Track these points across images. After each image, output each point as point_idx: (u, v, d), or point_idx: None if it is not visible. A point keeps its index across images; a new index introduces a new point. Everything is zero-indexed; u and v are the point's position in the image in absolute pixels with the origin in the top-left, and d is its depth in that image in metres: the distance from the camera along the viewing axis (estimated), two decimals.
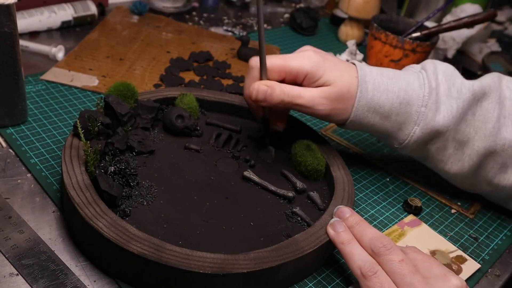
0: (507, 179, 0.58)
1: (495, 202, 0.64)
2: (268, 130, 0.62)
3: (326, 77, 0.55)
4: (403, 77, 0.58)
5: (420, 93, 0.57)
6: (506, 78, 0.60)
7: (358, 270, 0.43)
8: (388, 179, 0.67)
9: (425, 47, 0.89)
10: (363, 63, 0.59)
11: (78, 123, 0.51)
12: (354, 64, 0.59)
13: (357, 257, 0.44)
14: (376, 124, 0.58)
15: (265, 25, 1.10)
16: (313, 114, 0.57)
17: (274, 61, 0.56)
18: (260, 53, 0.55)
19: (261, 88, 0.55)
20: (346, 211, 0.49)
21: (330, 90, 0.55)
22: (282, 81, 0.57)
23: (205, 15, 1.09)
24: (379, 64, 0.93)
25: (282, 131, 0.62)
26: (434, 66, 0.59)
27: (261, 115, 0.61)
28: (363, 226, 0.47)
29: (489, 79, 0.59)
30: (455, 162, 0.59)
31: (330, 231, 0.48)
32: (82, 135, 0.50)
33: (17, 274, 0.44)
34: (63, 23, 0.88)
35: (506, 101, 0.58)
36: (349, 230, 0.47)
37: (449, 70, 0.59)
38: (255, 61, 0.56)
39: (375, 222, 0.59)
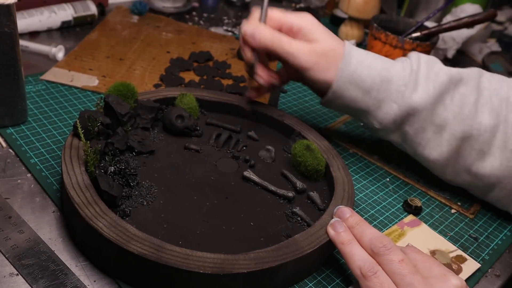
0: (485, 167, 0.59)
1: (477, 196, 0.64)
2: (252, 77, 0.64)
3: (316, 35, 0.59)
4: (387, 60, 0.62)
5: (401, 74, 0.60)
6: (488, 73, 0.63)
7: (358, 270, 0.43)
8: (388, 179, 0.67)
9: (425, 47, 0.89)
10: (352, 45, 0.62)
11: (78, 123, 0.51)
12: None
13: (357, 257, 0.44)
14: (357, 98, 0.60)
15: None
16: (298, 65, 0.59)
17: (274, 11, 0.61)
18: (263, 2, 0.60)
19: (252, 26, 0.59)
20: (346, 211, 0.49)
21: (317, 45, 0.59)
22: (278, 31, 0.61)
23: (205, 15, 1.09)
24: None
25: (264, 83, 0.63)
26: (418, 55, 0.62)
27: (250, 58, 0.62)
28: (363, 227, 0.47)
29: (468, 69, 0.62)
30: (435, 148, 0.60)
31: (331, 231, 0.48)
32: (82, 135, 0.50)
33: (17, 274, 0.44)
34: (63, 23, 0.88)
35: (484, 91, 0.60)
36: (349, 230, 0.47)
37: (431, 59, 0.62)
38: (257, 9, 0.61)
39: (375, 222, 0.59)
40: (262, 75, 0.63)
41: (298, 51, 0.58)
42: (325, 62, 0.59)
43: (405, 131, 0.61)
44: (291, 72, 0.64)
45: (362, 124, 0.71)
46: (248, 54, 0.62)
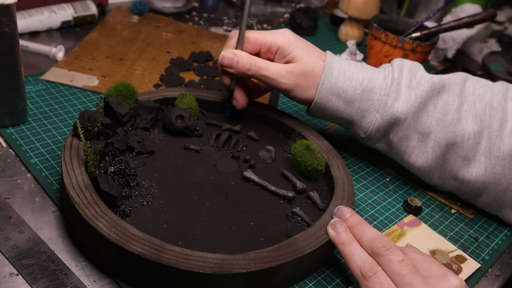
0: (471, 173, 0.59)
1: (466, 200, 0.63)
2: (231, 103, 0.64)
3: (294, 54, 0.59)
4: (370, 69, 0.62)
5: (383, 83, 0.60)
6: (473, 78, 0.63)
7: (358, 270, 0.43)
8: (388, 179, 0.67)
9: (425, 47, 0.89)
10: (334, 55, 0.62)
11: (78, 123, 0.51)
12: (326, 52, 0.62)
13: (357, 257, 0.44)
14: (340, 109, 0.61)
15: (265, 25, 1.10)
16: (278, 87, 0.60)
17: (251, 33, 0.61)
18: (240, 26, 0.60)
19: (228, 55, 0.59)
20: (346, 211, 0.49)
21: (295, 66, 0.59)
22: (257, 54, 0.61)
23: (205, 15, 1.09)
24: (379, 64, 0.93)
25: (240, 108, 0.64)
26: (401, 62, 0.62)
27: (228, 84, 0.63)
28: (363, 227, 0.47)
29: (451, 75, 0.61)
30: (420, 155, 0.60)
31: (331, 231, 0.48)
32: (82, 135, 0.50)
33: (17, 274, 0.44)
34: (63, 23, 0.88)
35: (468, 96, 0.60)
36: (349, 230, 0.47)
37: (414, 66, 0.62)
38: (234, 32, 0.61)
39: (375, 222, 0.59)
40: (239, 100, 0.63)
41: (277, 75, 0.59)
42: (305, 83, 0.59)
43: (390, 140, 0.62)
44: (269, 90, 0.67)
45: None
46: (226, 81, 0.63)
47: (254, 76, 0.59)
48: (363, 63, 0.63)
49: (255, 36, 0.60)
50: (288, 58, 0.60)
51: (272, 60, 0.61)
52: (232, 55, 0.59)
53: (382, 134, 0.61)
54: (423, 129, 0.59)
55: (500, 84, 0.62)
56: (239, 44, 0.60)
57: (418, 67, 0.62)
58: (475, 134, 0.57)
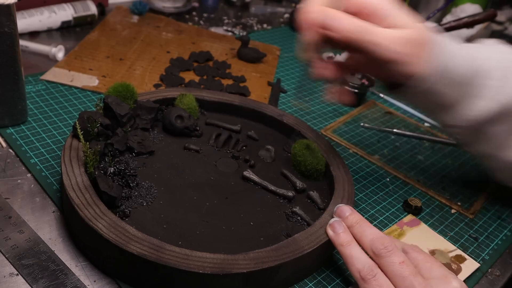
0: None
1: None
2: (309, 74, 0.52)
3: (399, 19, 0.48)
4: (483, 49, 0.53)
5: (499, 66, 0.51)
6: None
7: (357, 273, 0.43)
8: (388, 179, 0.67)
9: None
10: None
11: (77, 124, 0.51)
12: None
13: (356, 260, 0.44)
14: (446, 93, 0.51)
15: (265, 25, 1.10)
16: (385, 57, 0.48)
17: None
18: None
19: (329, 13, 0.47)
20: (346, 209, 0.49)
21: (404, 33, 0.48)
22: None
23: (205, 15, 1.09)
24: None
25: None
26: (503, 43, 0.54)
27: (310, 55, 0.50)
28: (363, 226, 0.46)
29: None
30: None
31: (330, 232, 0.48)
32: (81, 136, 0.50)
33: (17, 274, 0.44)
34: (63, 23, 0.88)
35: None
36: (349, 229, 0.47)
37: None
38: None
39: (375, 222, 0.59)
40: (328, 68, 0.52)
41: (387, 41, 0.47)
42: (415, 53, 0.48)
43: (492, 131, 0.53)
44: (361, 63, 0.54)
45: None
46: (311, 47, 0.49)
47: (358, 42, 0.47)
48: (472, 44, 0.54)
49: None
50: (388, 23, 0.48)
51: None
52: (333, 13, 0.46)
53: (483, 124, 0.53)
54: None
55: None
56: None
57: None
58: None
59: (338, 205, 0.50)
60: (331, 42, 0.49)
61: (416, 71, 0.49)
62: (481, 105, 0.52)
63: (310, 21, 0.48)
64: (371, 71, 0.55)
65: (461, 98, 0.52)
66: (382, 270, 0.43)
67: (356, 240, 0.46)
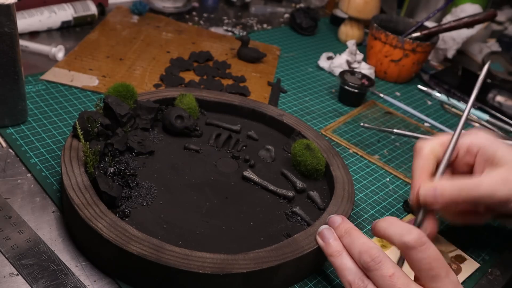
0: None
1: None
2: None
3: (501, 153, 0.49)
4: None
5: None
6: None
7: (348, 285, 0.42)
8: (388, 179, 0.67)
9: (425, 47, 0.89)
10: None
11: (77, 124, 0.51)
12: None
13: (347, 272, 0.43)
14: None
15: (265, 25, 1.10)
16: (497, 202, 0.48)
17: (443, 137, 0.51)
18: (453, 140, 0.50)
19: (429, 187, 0.48)
20: (337, 219, 0.47)
21: (509, 171, 0.48)
22: (453, 160, 0.53)
23: (205, 15, 1.09)
24: (379, 64, 0.93)
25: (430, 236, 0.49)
26: None
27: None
28: (352, 236, 0.45)
29: None
30: None
31: (319, 240, 0.47)
32: (81, 136, 0.50)
33: (17, 274, 0.44)
34: (63, 23, 0.88)
35: None
36: (340, 239, 0.46)
37: None
38: (440, 139, 0.51)
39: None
40: (432, 228, 0.50)
41: (492, 188, 0.48)
42: None
43: None
44: (483, 212, 0.54)
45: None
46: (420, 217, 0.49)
47: (466, 201, 0.48)
48: None
49: (448, 138, 0.51)
50: (492, 159, 0.49)
51: (471, 165, 0.52)
52: (432, 186, 0.48)
53: None
54: None
55: None
56: (443, 167, 0.49)
57: None
58: None
59: (330, 216, 0.48)
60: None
61: None
62: None
63: (422, 201, 0.49)
64: (494, 215, 0.55)
65: None
66: (374, 284, 0.42)
67: (347, 251, 0.45)
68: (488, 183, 0.48)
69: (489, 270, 0.56)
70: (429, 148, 0.51)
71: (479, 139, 0.51)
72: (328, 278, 0.51)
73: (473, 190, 0.48)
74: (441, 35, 1.05)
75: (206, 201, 0.53)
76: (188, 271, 0.42)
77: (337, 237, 0.46)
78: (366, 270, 0.42)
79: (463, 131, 0.51)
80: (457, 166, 0.53)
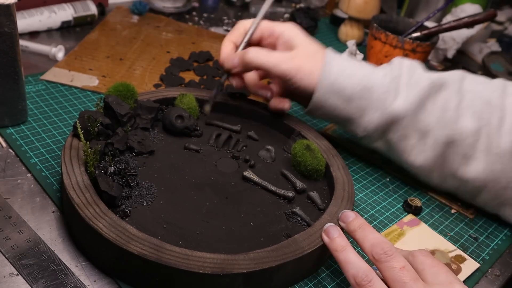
0: (470, 171, 0.58)
1: (466, 200, 0.63)
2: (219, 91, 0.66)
3: (297, 41, 0.61)
4: (369, 67, 0.61)
5: (382, 81, 0.59)
6: (472, 75, 0.62)
7: (352, 279, 0.43)
8: (388, 179, 0.67)
9: (425, 47, 0.89)
10: (334, 52, 0.62)
11: (77, 123, 0.51)
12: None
13: (351, 265, 0.43)
14: (339, 107, 0.60)
15: None
16: (280, 74, 0.60)
17: (263, 23, 0.64)
18: (253, 26, 0.63)
19: (225, 54, 0.63)
20: (350, 214, 0.49)
21: (298, 52, 0.60)
22: (260, 40, 0.64)
23: (205, 15, 1.09)
24: (379, 64, 0.93)
25: (237, 87, 0.66)
26: (400, 60, 0.62)
27: (240, 86, 0.66)
28: (365, 231, 0.46)
29: (450, 73, 0.61)
30: (419, 154, 0.60)
31: (325, 237, 0.47)
32: (81, 136, 0.50)
33: (17, 274, 0.44)
34: (63, 23, 0.88)
35: (467, 94, 0.59)
36: (352, 234, 0.47)
37: (413, 64, 0.62)
38: (242, 24, 0.64)
39: (375, 222, 0.59)
40: (237, 80, 0.65)
41: (278, 60, 0.59)
42: (308, 66, 0.59)
43: (389, 139, 0.61)
44: (279, 85, 0.66)
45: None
46: (238, 82, 0.65)
47: (257, 66, 0.60)
48: (363, 62, 0.63)
49: (267, 25, 0.63)
50: (290, 45, 0.61)
51: (274, 48, 0.63)
52: (228, 53, 0.62)
53: (380, 133, 0.61)
54: (422, 127, 0.59)
55: (498, 82, 0.62)
56: (245, 41, 0.62)
57: (417, 65, 0.62)
58: (474, 132, 0.57)
59: (343, 211, 0.50)
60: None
61: (310, 82, 0.60)
62: (369, 115, 0.60)
63: (221, 62, 0.63)
64: (287, 92, 0.66)
65: (354, 111, 0.60)
66: (382, 275, 0.43)
67: (358, 244, 0.46)
68: (277, 55, 0.60)
69: (489, 270, 0.56)
70: (242, 25, 0.64)
71: (283, 27, 0.63)
72: (328, 278, 0.51)
73: (264, 58, 0.59)
74: (441, 35, 1.05)
75: (206, 201, 0.53)
76: (189, 271, 0.42)
77: (342, 233, 0.47)
78: (376, 262, 0.43)
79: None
80: (264, 46, 0.64)
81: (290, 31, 0.62)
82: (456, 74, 0.61)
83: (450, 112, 0.58)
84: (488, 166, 0.57)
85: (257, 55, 0.60)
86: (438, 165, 0.60)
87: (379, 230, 0.58)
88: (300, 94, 0.62)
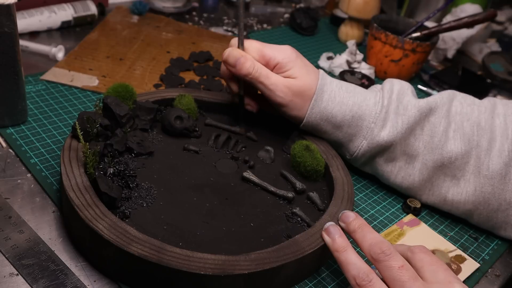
0: (460, 193, 0.58)
1: (462, 217, 0.61)
2: (242, 108, 0.65)
3: (294, 71, 0.59)
4: (361, 94, 0.61)
5: (373, 110, 0.60)
6: (461, 96, 0.62)
7: (352, 279, 0.43)
8: None
9: (425, 47, 0.89)
10: (327, 75, 0.62)
11: (76, 124, 0.51)
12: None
13: (351, 266, 0.44)
14: (328, 132, 0.61)
15: (265, 25, 1.10)
16: (273, 99, 0.59)
17: (253, 43, 0.60)
18: (239, 26, 0.59)
19: (235, 54, 0.59)
20: (351, 215, 0.49)
21: (294, 82, 0.58)
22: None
23: (205, 15, 1.09)
24: (379, 64, 0.93)
25: (256, 112, 0.65)
26: (391, 85, 0.62)
27: (236, 90, 0.63)
28: (365, 231, 0.46)
29: (438, 96, 0.61)
30: (406, 177, 0.60)
31: (325, 237, 0.48)
32: (81, 137, 0.50)
33: (17, 274, 0.44)
34: (63, 23, 0.88)
35: (456, 116, 0.60)
36: (352, 234, 0.47)
37: (402, 89, 0.61)
38: (235, 39, 0.61)
39: (375, 222, 0.59)
40: (252, 104, 0.64)
41: (275, 87, 0.58)
42: (300, 101, 0.59)
43: (376, 161, 0.62)
44: (267, 102, 0.64)
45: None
46: (233, 87, 0.63)
47: (253, 81, 0.58)
48: (355, 86, 0.62)
49: (258, 47, 0.60)
50: (286, 74, 0.59)
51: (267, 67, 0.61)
52: (239, 55, 0.58)
53: (368, 158, 0.62)
54: (410, 152, 0.59)
55: (487, 102, 0.61)
56: (241, 44, 0.59)
57: (406, 91, 0.61)
58: (463, 154, 0.57)
59: (343, 211, 0.50)
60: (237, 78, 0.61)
61: (299, 115, 0.60)
62: (357, 142, 0.60)
63: (224, 59, 0.60)
64: (274, 111, 0.64)
65: (343, 137, 0.61)
66: (381, 275, 0.43)
67: (357, 244, 0.46)
68: (274, 80, 0.58)
69: (489, 270, 0.56)
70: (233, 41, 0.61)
71: (280, 56, 0.59)
72: (328, 278, 0.51)
73: (263, 76, 0.58)
74: (441, 35, 1.05)
75: (206, 202, 0.53)
76: (190, 272, 0.42)
77: (343, 234, 0.47)
78: (375, 261, 0.43)
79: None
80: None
81: (286, 57, 0.59)
82: (444, 97, 0.61)
83: (438, 136, 0.58)
84: (478, 188, 0.57)
85: (258, 72, 0.58)
86: (426, 189, 0.60)
87: (379, 230, 0.58)
88: (287, 119, 0.62)
